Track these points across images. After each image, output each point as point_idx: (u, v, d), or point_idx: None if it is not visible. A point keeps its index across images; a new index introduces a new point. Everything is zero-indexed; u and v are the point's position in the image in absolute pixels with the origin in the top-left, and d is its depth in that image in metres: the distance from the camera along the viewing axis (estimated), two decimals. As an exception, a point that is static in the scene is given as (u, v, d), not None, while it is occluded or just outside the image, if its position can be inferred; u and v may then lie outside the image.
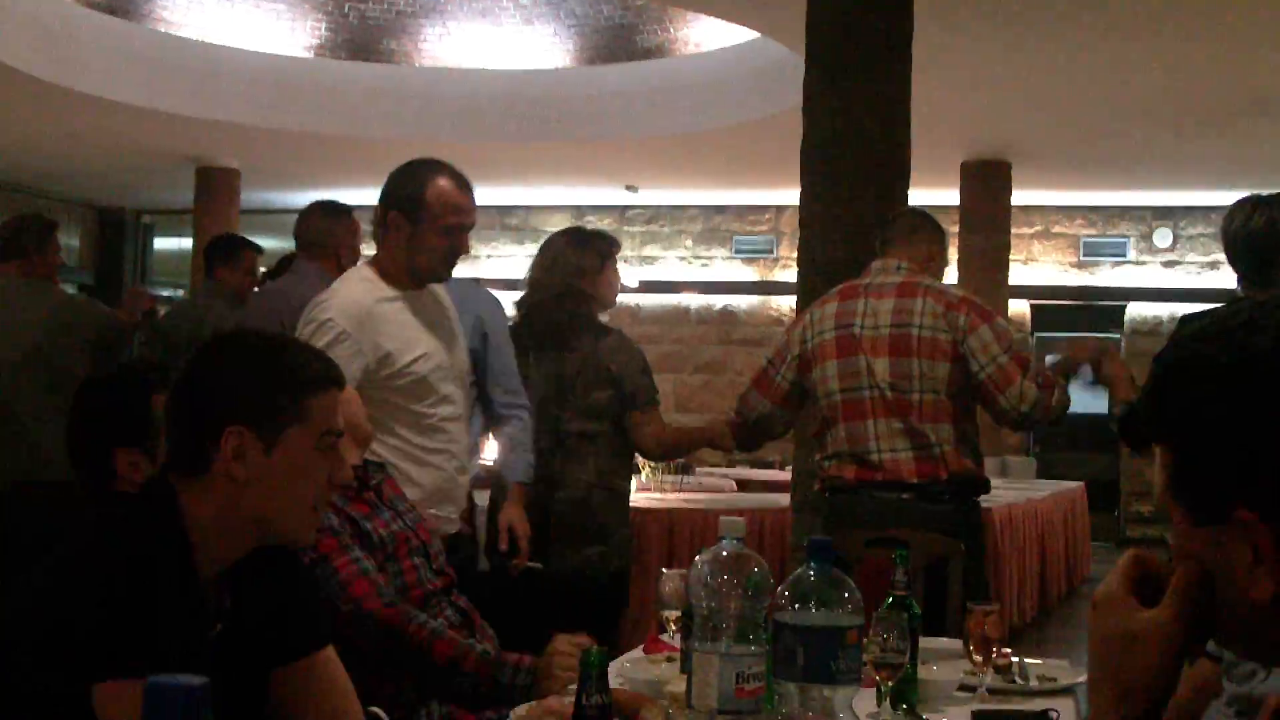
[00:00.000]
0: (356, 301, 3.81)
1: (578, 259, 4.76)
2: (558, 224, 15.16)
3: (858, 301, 4.41)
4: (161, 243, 17.54)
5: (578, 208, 15.76)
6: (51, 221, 6.31)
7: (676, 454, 4.83)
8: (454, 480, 3.94)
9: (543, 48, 11.96)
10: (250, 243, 6.82)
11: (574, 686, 1.92)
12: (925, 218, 4.73)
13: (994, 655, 2.89)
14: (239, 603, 2.18)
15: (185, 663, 1.91)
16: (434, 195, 3.87)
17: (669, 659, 2.99)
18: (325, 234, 5.28)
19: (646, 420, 4.66)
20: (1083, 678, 3.06)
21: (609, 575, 4.56)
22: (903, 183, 5.77)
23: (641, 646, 3.19)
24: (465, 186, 3.95)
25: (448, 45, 12.07)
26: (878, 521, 4.12)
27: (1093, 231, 14.91)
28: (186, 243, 14.85)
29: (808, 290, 5.76)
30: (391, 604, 3.01)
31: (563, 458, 4.61)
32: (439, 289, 4.07)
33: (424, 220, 3.86)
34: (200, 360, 2.19)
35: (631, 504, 5.29)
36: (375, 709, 2.82)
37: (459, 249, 3.94)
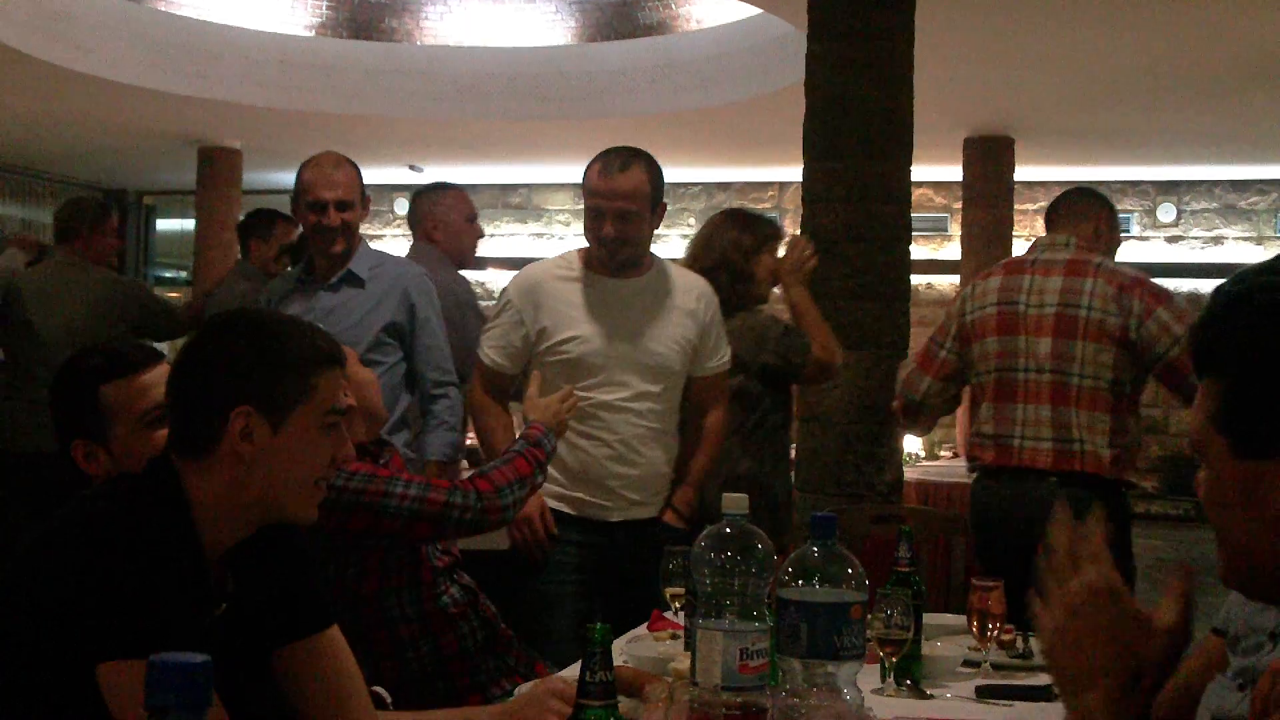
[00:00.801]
0: (532, 275, 4.07)
1: (735, 235, 4.63)
2: (560, 202, 15.17)
3: (1023, 277, 4.28)
4: (164, 224, 17.50)
5: (580, 186, 15.71)
6: (104, 204, 6.46)
7: (832, 347, 4.58)
8: (603, 466, 3.96)
9: (544, 25, 11.92)
10: (283, 215, 6.70)
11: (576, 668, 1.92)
12: (1092, 194, 4.59)
13: (998, 631, 2.89)
14: (242, 583, 2.18)
15: (190, 643, 1.91)
16: (587, 181, 4.04)
17: (673, 636, 3.00)
18: (412, 215, 5.48)
19: (807, 368, 4.52)
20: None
21: None
22: (905, 156, 5.75)
23: (646, 624, 3.20)
24: (610, 170, 3.99)
25: (449, 23, 12.03)
26: (1023, 512, 3.99)
27: (1096, 207, 14.87)
28: (189, 224, 14.82)
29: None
30: (479, 474, 3.27)
31: None
32: (678, 278, 4.11)
33: (586, 206, 4.03)
34: (204, 341, 2.19)
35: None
36: (379, 689, 2.83)
37: (606, 233, 3.97)
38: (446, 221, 5.36)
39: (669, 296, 4.05)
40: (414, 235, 5.46)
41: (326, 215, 4.35)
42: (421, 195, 5.53)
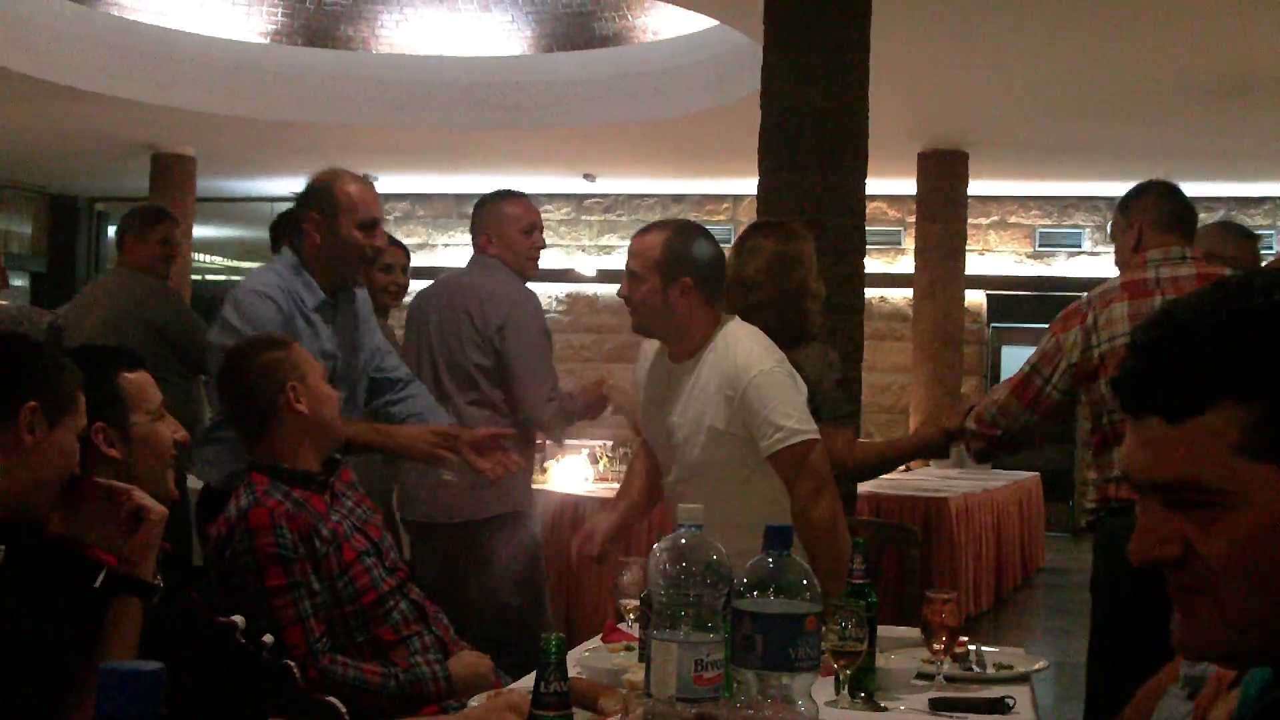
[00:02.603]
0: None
1: (798, 249, 4.21)
2: (515, 212, 15.12)
3: (1153, 299, 3.78)
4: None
5: (535, 196, 15.67)
6: (151, 214, 6.35)
7: (867, 475, 4.34)
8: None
9: (500, 35, 11.91)
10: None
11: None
12: (1179, 192, 4.08)
13: (952, 644, 2.90)
14: None
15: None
16: None
17: (628, 648, 3.00)
18: (472, 224, 5.10)
19: (827, 436, 3.99)
20: (1039, 665, 3.09)
21: None
22: (860, 169, 5.78)
23: (600, 635, 3.19)
24: (640, 231, 3.82)
25: (405, 32, 12.01)
26: None
27: (1048, 222, 14.99)
28: (141, 230, 14.71)
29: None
30: (314, 668, 2.98)
31: None
32: (723, 359, 3.68)
33: None
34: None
35: (587, 494, 5.11)
36: (333, 699, 2.81)
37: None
38: (500, 233, 4.97)
39: (706, 381, 3.71)
40: (473, 245, 5.06)
41: (376, 236, 4.07)
42: (480, 204, 5.10)
